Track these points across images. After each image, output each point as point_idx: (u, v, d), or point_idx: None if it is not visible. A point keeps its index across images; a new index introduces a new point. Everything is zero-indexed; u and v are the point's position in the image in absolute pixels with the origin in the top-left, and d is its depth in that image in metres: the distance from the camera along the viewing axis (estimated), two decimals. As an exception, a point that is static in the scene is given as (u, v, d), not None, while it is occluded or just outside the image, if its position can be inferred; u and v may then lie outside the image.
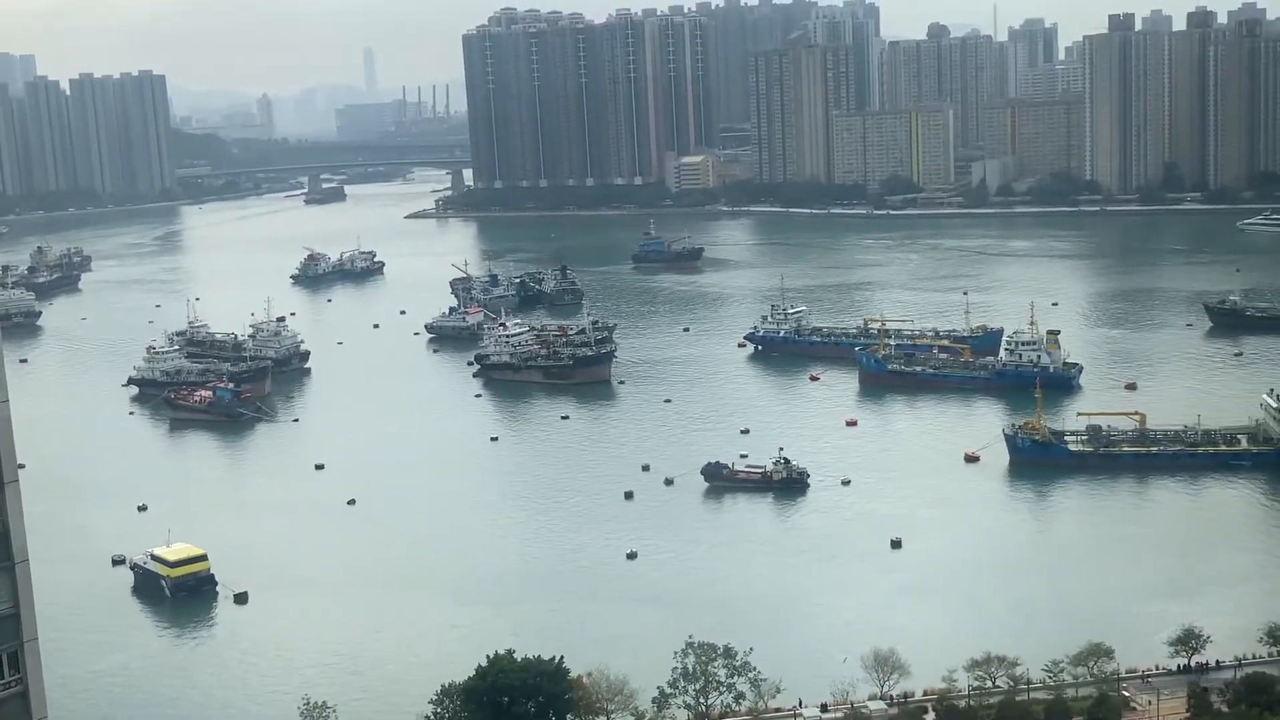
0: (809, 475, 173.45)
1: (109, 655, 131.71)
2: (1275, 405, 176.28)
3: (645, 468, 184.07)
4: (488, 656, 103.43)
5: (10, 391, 57.28)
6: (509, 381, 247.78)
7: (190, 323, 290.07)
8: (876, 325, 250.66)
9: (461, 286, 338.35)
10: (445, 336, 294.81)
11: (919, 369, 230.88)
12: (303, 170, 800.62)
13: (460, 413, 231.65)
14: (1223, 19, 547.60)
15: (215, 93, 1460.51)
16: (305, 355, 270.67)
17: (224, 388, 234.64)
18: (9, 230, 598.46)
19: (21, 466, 59.68)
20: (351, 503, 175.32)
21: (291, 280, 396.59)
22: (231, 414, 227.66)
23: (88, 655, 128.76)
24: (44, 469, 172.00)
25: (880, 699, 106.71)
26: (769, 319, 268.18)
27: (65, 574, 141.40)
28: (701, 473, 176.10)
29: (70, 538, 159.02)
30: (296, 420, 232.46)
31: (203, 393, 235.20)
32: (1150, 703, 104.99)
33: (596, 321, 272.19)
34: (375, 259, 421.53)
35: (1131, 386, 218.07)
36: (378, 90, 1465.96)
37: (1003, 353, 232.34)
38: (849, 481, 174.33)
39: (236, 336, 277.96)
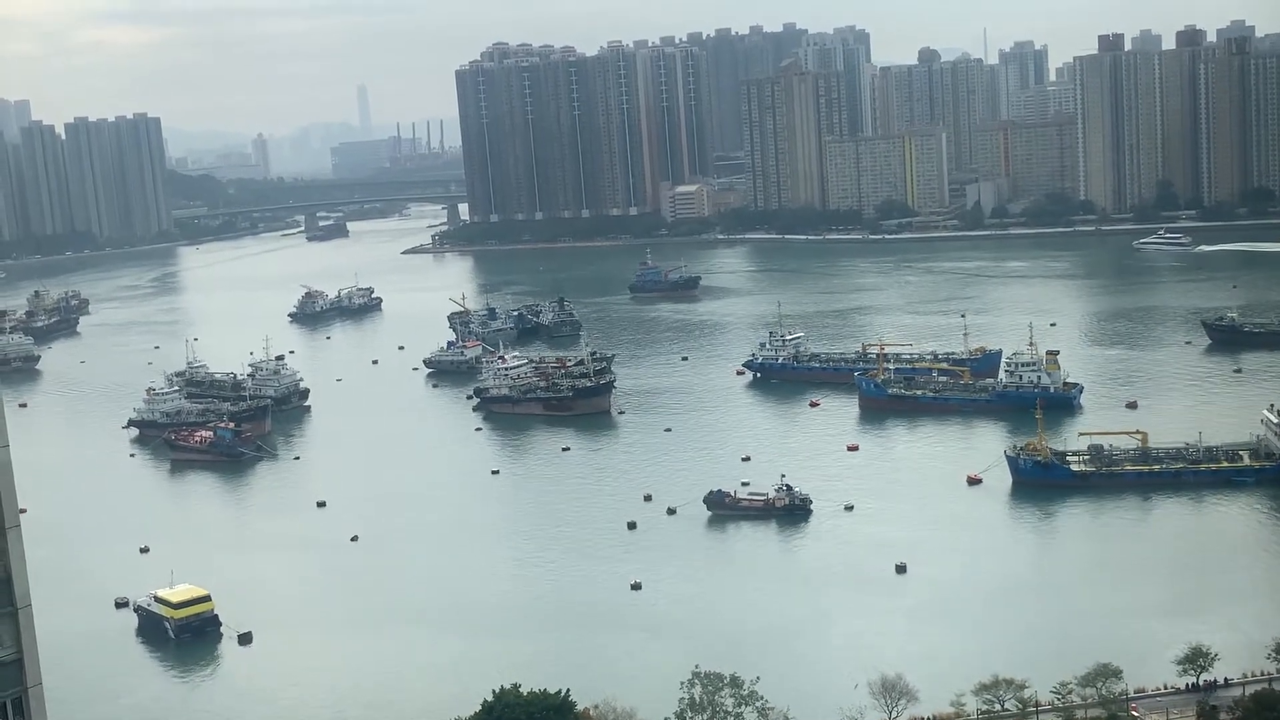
0: (811, 501, 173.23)
1: (114, 699, 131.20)
2: (1276, 421, 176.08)
3: (647, 498, 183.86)
4: (493, 691, 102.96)
5: (10, 436, 57.19)
6: (509, 414, 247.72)
7: (189, 363, 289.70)
8: (875, 350, 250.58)
9: (459, 320, 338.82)
10: (444, 371, 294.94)
11: (919, 392, 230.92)
12: (299, 209, 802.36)
13: (461, 446, 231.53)
14: (1212, 37, 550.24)
15: (210, 133, 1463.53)
16: (305, 393, 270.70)
17: (224, 427, 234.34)
18: (6, 275, 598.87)
19: (23, 511, 59.57)
20: (354, 539, 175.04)
21: (289, 318, 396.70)
22: (232, 453, 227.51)
23: (92, 700, 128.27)
24: (45, 513, 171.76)
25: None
26: (767, 346, 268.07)
27: (68, 618, 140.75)
28: (704, 501, 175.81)
29: (73, 581, 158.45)
30: (298, 458, 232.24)
31: (203, 433, 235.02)
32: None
33: (595, 352, 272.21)
34: (373, 295, 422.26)
35: (1132, 405, 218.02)
36: (372, 127, 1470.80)
37: (1002, 374, 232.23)
38: (852, 507, 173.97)
39: (236, 376, 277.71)
